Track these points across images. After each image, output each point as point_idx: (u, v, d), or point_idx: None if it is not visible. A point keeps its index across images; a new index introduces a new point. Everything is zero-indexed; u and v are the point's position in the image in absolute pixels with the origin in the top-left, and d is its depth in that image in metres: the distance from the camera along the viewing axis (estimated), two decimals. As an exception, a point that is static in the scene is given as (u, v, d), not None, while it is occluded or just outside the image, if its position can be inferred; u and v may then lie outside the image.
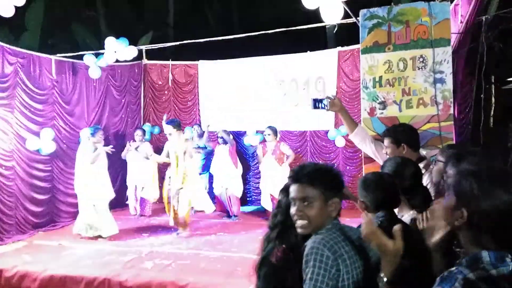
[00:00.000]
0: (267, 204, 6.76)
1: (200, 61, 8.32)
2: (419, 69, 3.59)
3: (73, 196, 6.87)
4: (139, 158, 7.07)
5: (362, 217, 1.50)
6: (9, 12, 4.67)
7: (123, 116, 8.16)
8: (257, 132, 7.50)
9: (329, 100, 3.12)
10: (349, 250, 1.60)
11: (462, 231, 1.20)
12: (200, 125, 7.87)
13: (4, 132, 5.87)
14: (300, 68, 7.61)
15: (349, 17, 4.48)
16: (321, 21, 4.65)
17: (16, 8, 4.73)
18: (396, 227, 1.51)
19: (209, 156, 7.45)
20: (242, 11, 12.24)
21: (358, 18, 3.91)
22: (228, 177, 7.00)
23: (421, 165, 2.65)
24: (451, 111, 3.53)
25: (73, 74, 7.12)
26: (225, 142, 7.07)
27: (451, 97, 3.54)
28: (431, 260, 1.61)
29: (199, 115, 8.39)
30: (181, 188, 5.86)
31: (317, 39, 8.51)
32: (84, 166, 5.82)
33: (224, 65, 8.14)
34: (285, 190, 2.01)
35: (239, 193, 7.12)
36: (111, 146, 6.10)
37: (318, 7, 4.09)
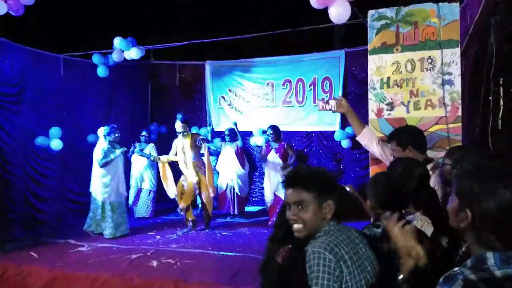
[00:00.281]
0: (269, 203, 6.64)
1: (207, 61, 8.34)
2: (427, 70, 3.57)
3: (80, 194, 6.93)
4: (143, 159, 7.05)
5: (385, 219, 1.50)
6: (19, 12, 4.73)
7: (130, 115, 8.19)
8: (263, 132, 7.50)
9: (336, 101, 3.12)
10: (349, 250, 1.60)
11: (468, 233, 1.20)
12: (212, 126, 7.87)
13: (13, 130, 5.92)
14: (307, 68, 7.61)
15: (357, 17, 4.47)
16: (329, 22, 4.64)
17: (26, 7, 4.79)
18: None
19: (217, 154, 7.47)
20: (250, 11, 12.23)
21: (366, 18, 3.90)
22: (235, 176, 7.00)
23: (428, 166, 2.63)
24: (459, 113, 3.51)
25: (81, 73, 7.17)
26: (231, 140, 7.07)
27: (460, 99, 3.52)
28: (440, 261, 1.59)
29: (206, 115, 8.41)
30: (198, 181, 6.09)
31: (324, 39, 8.48)
32: (97, 165, 5.87)
33: (231, 65, 8.16)
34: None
35: (244, 193, 7.11)
36: (125, 148, 6.07)
37: (326, 8, 4.08)
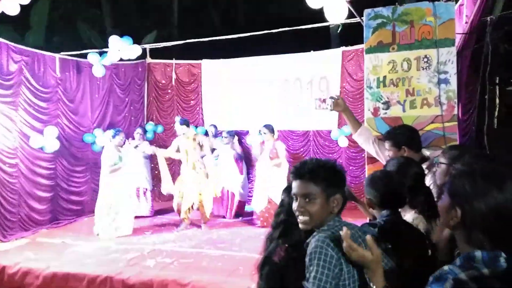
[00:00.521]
0: (257, 205, 6.49)
1: (204, 60, 8.33)
2: (423, 69, 3.58)
3: (76, 194, 6.91)
4: (137, 156, 7.01)
5: (342, 232, 1.51)
6: (14, 11, 4.70)
7: (126, 114, 8.16)
8: (260, 132, 7.47)
9: (333, 100, 3.12)
10: None
11: (457, 231, 1.20)
12: (215, 126, 7.83)
13: (8, 129, 5.89)
14: (304, 67, 7.60)
15: (353, 16, 4.47)
16: (325, 21, 4.64)
17: (21, 6, 4.76)
18: (368, 237, 1.54)
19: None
20: (246, 11, 12.25)
21: (362, 17, 3.90)
22: (234, 183, 6.99)
23: (424, 165, 2.64)
24: (455, 112, 3.52)
25: (77, 72, 7.13)
26: (229, 141, 7.07)
27: (455, 98, 3.53)
28: (436, 261, 1.60)
29: (202, 114, 8.40)
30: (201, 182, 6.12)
31: (321, 38, 8.48)
32: (106, 170, 5.92)
33: (228, 64, 8.15)
34: (287, 190, 2.01)
35: (244, 198, 7.12)
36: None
37: (322, 7, 4.08)
